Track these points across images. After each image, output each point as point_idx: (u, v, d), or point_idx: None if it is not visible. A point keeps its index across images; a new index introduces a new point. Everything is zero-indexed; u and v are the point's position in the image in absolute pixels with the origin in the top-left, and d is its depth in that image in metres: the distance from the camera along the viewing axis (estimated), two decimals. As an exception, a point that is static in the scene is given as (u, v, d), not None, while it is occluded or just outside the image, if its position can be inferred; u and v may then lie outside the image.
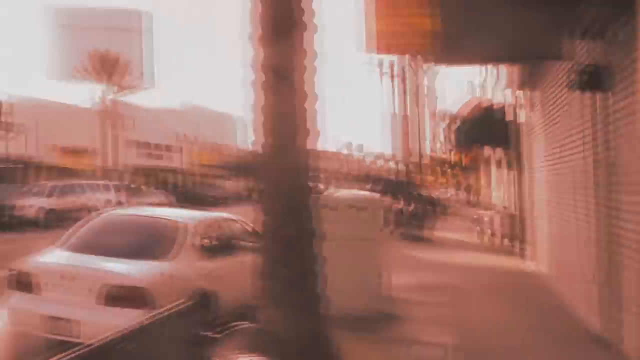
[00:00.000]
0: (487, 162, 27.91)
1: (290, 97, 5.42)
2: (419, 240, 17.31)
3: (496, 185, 20.36)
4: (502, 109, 15.67)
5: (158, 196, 38.40)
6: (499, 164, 19.29)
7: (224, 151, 59.47)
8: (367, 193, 20.55)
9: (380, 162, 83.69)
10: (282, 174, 5.52)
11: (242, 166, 58.07)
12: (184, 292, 6.11)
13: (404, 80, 19.55)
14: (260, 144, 5.57)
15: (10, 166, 31.39)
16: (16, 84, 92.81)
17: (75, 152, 37.88)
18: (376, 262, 7.45)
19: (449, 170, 64.13)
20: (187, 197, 45.80)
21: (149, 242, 6.61)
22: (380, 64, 30.00)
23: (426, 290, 9.85)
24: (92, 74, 39.51)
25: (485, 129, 16.95)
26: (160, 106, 53.52)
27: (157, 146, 48.98)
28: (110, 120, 38.72)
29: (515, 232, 14.26)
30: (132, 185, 41.45)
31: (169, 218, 7.00)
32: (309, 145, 5.74)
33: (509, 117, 14.14)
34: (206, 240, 7.11)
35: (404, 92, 23.30)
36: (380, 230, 7.78)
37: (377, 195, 19.33)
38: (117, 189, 32.06)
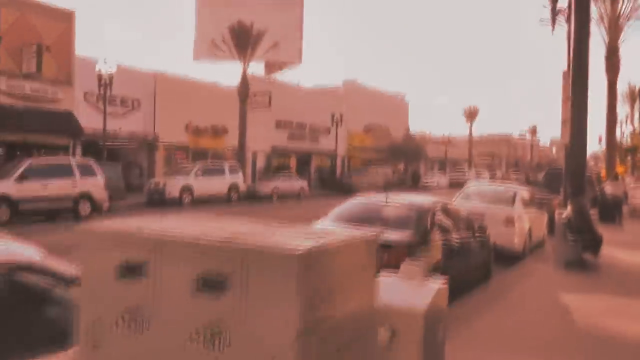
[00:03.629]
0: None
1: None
2: (581, 267, 10.89)
3: None
4: None
5: (292, 181, 34.74)
6: None
7: (385, 134, 53.61)
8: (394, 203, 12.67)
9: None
10: None
11: (397, 150, 52.38)
12: None
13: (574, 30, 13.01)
14: None
15: (125, 145, 29.70)
16: (168, 65, 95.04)
17: (210, 131, 35.56)
18: None
19: (628, 157, 50.18)
20: (329, 184, 41.64)
21: None
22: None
23: None
24: (233, 50, 36.53)
25: None
26: (319, 84, 49.57)
27: (308, 127, 44.87)
28: (250, 99, 35.66)
29: None
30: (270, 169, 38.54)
31: None
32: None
33: None
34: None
35: (568, 38, 16.49)
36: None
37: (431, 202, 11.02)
38: (233, 170, 28.87)
